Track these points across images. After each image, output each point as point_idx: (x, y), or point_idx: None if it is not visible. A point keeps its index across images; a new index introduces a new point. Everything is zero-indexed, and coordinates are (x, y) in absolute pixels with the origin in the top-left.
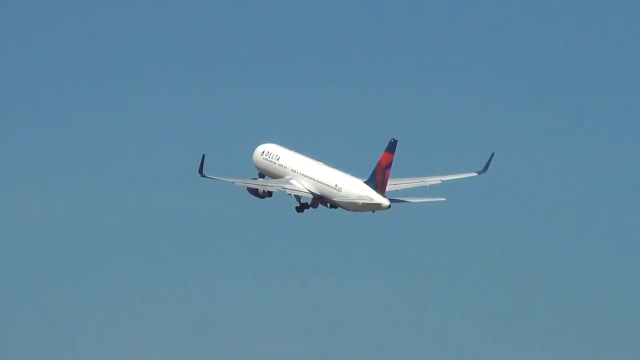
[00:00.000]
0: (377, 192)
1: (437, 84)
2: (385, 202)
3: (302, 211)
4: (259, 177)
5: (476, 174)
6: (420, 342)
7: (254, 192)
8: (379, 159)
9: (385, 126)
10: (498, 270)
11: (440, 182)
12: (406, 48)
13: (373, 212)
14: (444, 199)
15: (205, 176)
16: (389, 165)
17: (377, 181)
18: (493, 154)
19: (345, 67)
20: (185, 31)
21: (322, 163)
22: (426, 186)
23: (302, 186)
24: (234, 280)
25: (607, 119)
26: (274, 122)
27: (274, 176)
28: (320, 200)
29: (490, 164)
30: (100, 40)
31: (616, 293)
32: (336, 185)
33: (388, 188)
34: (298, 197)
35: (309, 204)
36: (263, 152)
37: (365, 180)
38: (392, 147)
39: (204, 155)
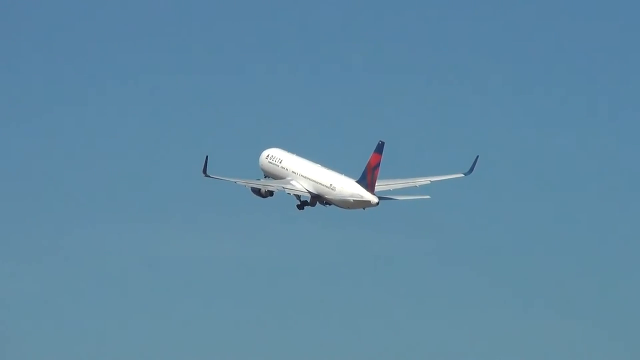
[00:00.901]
0: (367, 190)
1: (429, 87)
2: (374, 199)
3: (303, 209)
4: (264, 178)
5: (463, 175)
6: (409, 335)
7: (256, 191)
8: (368, 160)
9: (377, 129)
10: (485, 265)
11: (429, 182)
12: (399, 51)
13: (364, 209)
14: (428, 197)
15: (210, 176)
16: (377, 165)
17: (367, 180)
18: (478, 156)
19: (340, 71)
20: (190, 33)
21: (319, 165)
22: (416, 186)
23: (301, 186)
24: (239, 275)
25: (592, 122)
26: (274, 124)
27: (278, 178)
28: (318, 198)
29: (476, 165)
30: (104, 39)
31: (606, 291)
32: (331, 184)
33: (381, 188)
34: (298, 196)
35: (308, 202)
36: (268, 156)
37: (357, 179)
38: (380, 148)
39: (207, 157)
